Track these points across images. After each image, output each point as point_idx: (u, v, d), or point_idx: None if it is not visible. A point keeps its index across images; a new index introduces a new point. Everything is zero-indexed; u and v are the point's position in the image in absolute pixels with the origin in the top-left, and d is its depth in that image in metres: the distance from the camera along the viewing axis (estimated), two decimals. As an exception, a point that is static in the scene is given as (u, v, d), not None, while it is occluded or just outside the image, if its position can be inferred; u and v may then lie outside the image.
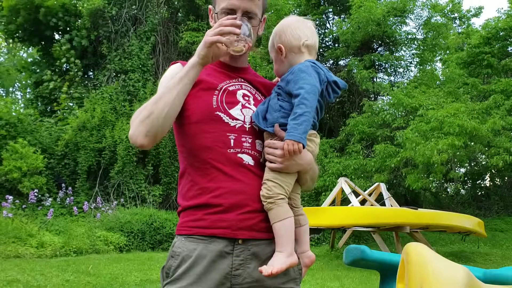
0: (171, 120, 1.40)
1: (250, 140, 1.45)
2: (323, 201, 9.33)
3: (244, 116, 1.48)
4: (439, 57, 16.70)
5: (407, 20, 14.22)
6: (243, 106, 1.49)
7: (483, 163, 15.14)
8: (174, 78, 1.42)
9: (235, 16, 1.44)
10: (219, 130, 1.43)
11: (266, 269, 1.32)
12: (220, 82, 1.51)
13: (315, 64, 1.49)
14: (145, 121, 1.36)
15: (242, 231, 1.37)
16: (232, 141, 1.43)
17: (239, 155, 1.42)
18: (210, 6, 1.61)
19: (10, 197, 8.64)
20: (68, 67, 12.91)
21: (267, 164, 1.42)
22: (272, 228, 1.38)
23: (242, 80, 1.57)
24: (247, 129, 1.47)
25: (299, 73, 1.44)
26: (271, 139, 1.44)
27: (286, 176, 1.41)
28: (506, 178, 15.86)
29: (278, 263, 1.34)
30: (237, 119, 1.46)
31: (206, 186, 1.40)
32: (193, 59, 1.42)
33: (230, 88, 1.51)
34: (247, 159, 1.43)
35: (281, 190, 1.39)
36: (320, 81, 1.45)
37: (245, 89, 1.55)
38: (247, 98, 1.52)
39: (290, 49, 1.54)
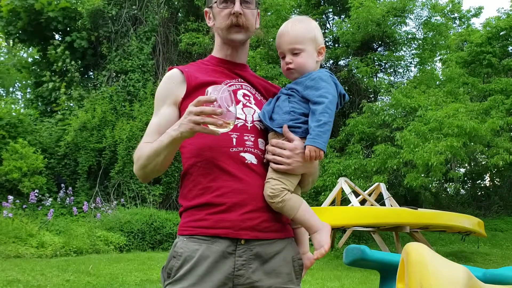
0: (166, 168, 1.49)
1: (252, 139, 1.45)
2: (323, 201, 9.33)
3: (246, 115, 1.47)
4: (439, 57, 16.70)
5: (407, 20, 14.23)
6: (244, 105, 1.49)
7: (483, 163, 15.15)
8: (159, 142, 1.38)
9: (210, 99, 1.26)
10: None
11: (319, 252, 1.39)
12: (221, 82, 1.51)
13: (332, 75, 1.51)
14: (141, 169, 1.46)
15: (245, 231, 1.37)
16: (234, 139, 1.42)
17: (242, 154, 1.42)
18: (206, 9, 1.60)
19: (11, 197, 8.65)
20: (66, 67, 12.90)
21: (273, 165, 1.41)
22: (292, 220, 1.43)
23: (242, 80, 1.57)
24: (249, 128, 1.46)
25: (320, 82, 1.45)
26: (277, 139, 1.44)
27: (291, 176, 1.41)
28: (506, 178, 15.86)
29: (325, 240, 1.40)
30: (238, 118, 1.45)
31: (208, 186, 1.40)
32: (174, 134, 1.32)
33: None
34: (250, 158, 1.42)
35: (285, 186, 1.39)
36: (337, 92, 1.48)
37: (245, 89, 1.55)
38: (247, 98, 1.52)
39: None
